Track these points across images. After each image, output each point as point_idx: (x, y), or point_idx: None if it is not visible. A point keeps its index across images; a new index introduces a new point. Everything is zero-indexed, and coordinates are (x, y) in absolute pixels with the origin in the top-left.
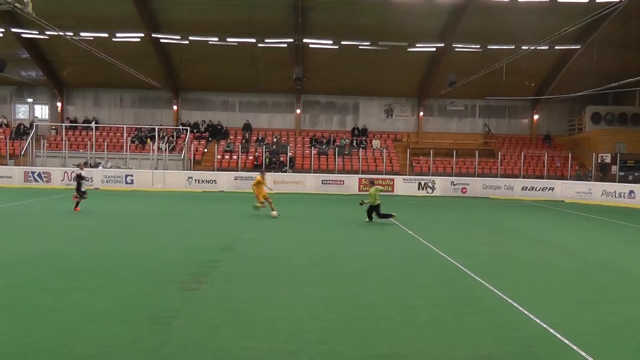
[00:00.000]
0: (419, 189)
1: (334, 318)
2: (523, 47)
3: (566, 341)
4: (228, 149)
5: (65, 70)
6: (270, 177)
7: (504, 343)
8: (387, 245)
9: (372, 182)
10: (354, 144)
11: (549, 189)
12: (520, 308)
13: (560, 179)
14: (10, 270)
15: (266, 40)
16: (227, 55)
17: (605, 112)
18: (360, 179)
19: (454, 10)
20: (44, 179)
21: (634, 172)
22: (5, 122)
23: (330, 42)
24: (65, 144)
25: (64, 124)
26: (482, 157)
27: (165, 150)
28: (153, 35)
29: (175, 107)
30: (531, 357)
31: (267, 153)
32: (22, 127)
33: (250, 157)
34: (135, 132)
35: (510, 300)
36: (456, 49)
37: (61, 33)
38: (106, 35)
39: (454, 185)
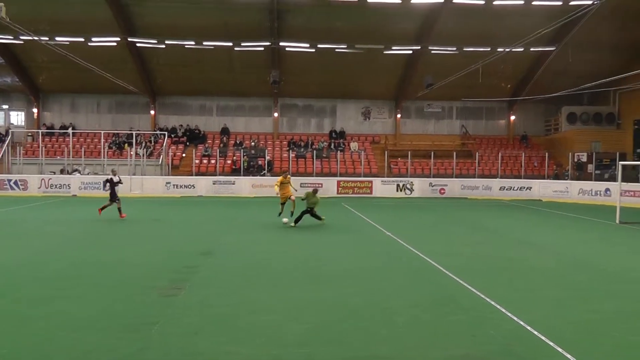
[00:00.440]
0: (397, 190)
1: (314, 321)
2: (499, 49)
3: (544, 338)
4: (206, 153)
5: (41, 75)
6: (248, 181)
7: (483, 342)
8: (366, 248)
9: (315, 191)
10: (332, 146)
11: (527, 188)
12: (499, 307)
13: (538, 179)
14: None
15: (243, 44)
16: (204, 59)
17: (581, 112)
18: (338, 182)
19: (429, 13)
20: (21, 187)
21: (609, 171)
22: None
23: (307, 45)
24: (42, 150)
25: (40, 131)
26: (460, 158)
27: (143, 155)
28: (129, 39)
29: (152, 112)
30: (509, 355)
31: (245, 157)
32: None
33: (229, 162)
34: (113, 138)
35: (488, 300)
36: (432, 51)
37: (36, 38)
38: (82, 39)
39: (432, 186)
